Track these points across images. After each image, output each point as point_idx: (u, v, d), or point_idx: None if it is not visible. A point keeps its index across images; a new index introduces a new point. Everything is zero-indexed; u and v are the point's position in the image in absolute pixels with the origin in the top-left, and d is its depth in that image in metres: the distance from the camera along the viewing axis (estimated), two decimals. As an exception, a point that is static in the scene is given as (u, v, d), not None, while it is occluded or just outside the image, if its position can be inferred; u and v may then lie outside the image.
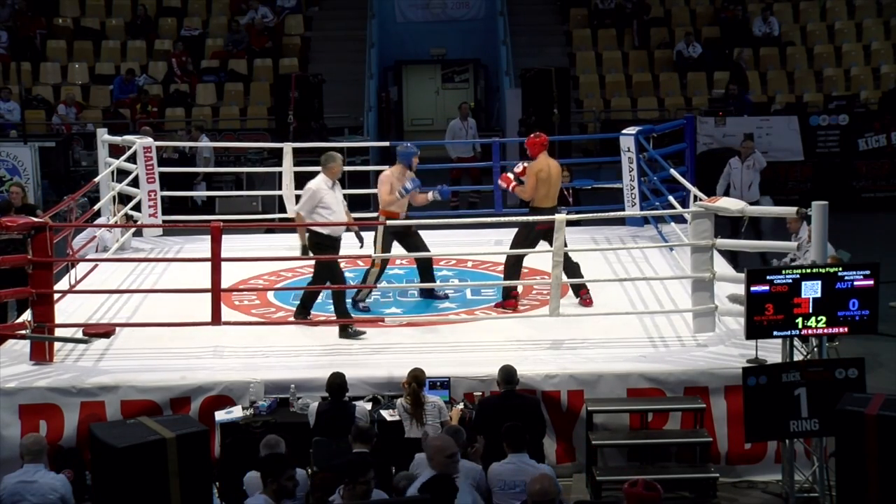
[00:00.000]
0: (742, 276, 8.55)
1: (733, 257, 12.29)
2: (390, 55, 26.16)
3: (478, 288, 11.45)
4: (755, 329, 8.43)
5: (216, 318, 9.66)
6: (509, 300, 10.82)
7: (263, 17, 23.18)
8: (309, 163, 15.39)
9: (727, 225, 10.58)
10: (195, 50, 22.89)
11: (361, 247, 10.71)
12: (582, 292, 10.88)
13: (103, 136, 13.59)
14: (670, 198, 12.45)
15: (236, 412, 8.80)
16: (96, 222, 12.79)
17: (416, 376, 8.49)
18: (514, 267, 10.75)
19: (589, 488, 8.73)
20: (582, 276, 10.74)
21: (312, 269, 10.65)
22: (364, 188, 16.74)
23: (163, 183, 13.50)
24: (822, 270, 8.38)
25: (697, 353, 9.52)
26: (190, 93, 22.09)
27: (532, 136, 11.02)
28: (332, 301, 10.36)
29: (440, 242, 11.70)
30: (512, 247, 10.88)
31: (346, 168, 17.25)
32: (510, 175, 11.06)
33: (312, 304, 10.45)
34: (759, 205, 14.44)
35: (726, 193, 15.17)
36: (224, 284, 9.90)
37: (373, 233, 10.94)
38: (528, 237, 10.69)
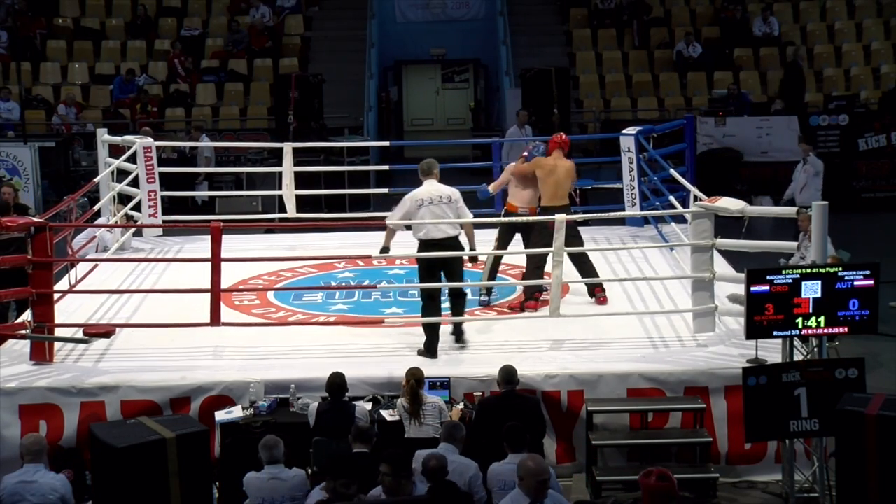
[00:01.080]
0: (742, 275, 8.55)
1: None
2: (390, 55, 26.16)
3: (477, 288, 11.43)
4: (755, 329, 8.43)
5: (216, 319, 9.66)
6: (530, 301, 10.81)
7: (263, 16, 23.18)
8: (309, 163, 15.47)
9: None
10: (195, 50, 22.89)
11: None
12: (597, 290, 10.89)
13: (103, 136, 13.59)
14: (671, 198, 12.45)
15: (236, 412, 8.79)
16: (96, 222, 12.79)
17: (414, 374, 8.50)
18: (538, 270, 10.67)
19: (589, 488, 8.72)
20: (597, 275, 10.75)
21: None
22: (364, 188, 16.76)
23: (163, 183, 13.50)
24: (822, 270, 8.38)
25: (697, 353, 9.52)
26: (190, 93, 22.10)
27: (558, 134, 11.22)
28: (453, 299, 10.01)
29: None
30: (530, 247, 10.79)
31: (347, 168, 17.43)
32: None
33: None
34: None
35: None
36: (224, 284, 9.90)
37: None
38: (546, 239, 10.34)
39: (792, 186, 16.04)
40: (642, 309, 10.59)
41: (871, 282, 8.38)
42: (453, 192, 9.94)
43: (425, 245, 9.78)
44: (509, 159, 16.31)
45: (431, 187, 9.91)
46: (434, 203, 9.79)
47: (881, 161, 18.97)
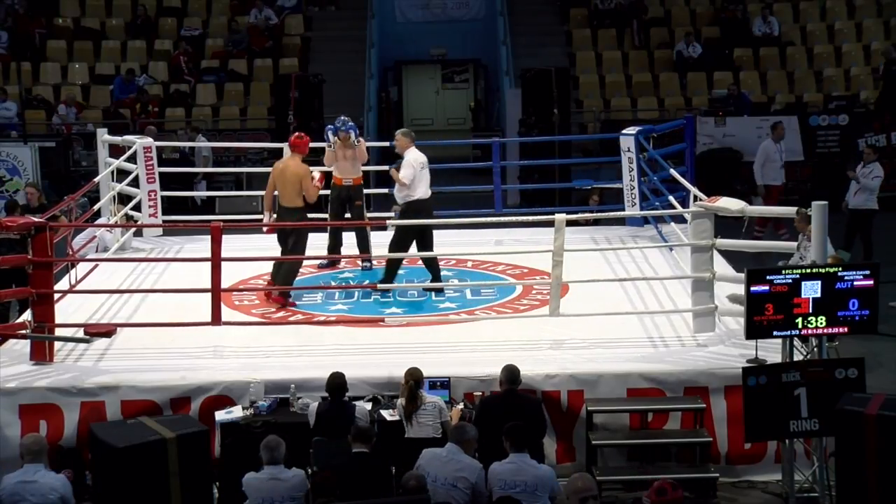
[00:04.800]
0: (742, 275, 8.55)
1: None
2: (390, 55, 26.16)
3: (478, 288, 11.44)
4: (755, 329, 8.43)
5: (216, 318, 9.66)
6: (279, 297, 11.01)
7: (267, 18, 23.18)
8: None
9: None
10: (195, 50, 22.90)
11: None
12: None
13: (103, 136, 13.60)
14: (670, 198, 12.45)
15: (236, 412, 8.79)
16: (96, 222, 12.79)
17: (413, 374, 8.50)
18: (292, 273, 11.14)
19: (589, 488, 8.71)
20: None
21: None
22: (364, 188, 16.71)
23: (163, 183, 13.51)
24: (822, 270, 8.38)
25: (697, 353, 9.52)
26: (190, 93, 22.11)
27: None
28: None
29: (440, 242, 11.70)
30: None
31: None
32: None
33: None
34: (861, 212, 14.69)
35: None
36: (224, 284, 9.91)
37: None
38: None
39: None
40: (642, 309, 10.59)
41: (871, 282, 8.38)
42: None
43: (415, 203, 11.16)
44: (763, 172, 16.33)
45: (419, 153, 11.41)
46: (425, 167, 11.37)
47: (881, 161, 18.92)
